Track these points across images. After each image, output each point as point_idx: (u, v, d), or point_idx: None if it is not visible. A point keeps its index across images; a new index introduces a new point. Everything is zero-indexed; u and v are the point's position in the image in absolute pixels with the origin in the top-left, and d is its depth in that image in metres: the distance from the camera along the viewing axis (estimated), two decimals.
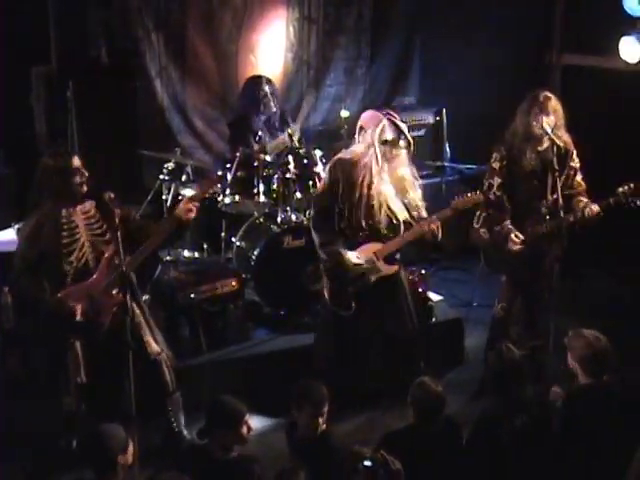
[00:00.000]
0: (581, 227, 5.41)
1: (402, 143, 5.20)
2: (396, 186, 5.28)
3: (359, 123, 5.34)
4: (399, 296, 5.48)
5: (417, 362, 5.54)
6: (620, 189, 5.35)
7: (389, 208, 5.27)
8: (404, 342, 5.49)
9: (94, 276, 4.83)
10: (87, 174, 4.81)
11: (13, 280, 4.94)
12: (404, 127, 5.25)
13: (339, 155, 5.44)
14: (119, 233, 4.57)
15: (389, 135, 5.19)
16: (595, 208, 5.36)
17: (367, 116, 5.35)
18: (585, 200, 5.47)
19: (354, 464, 3.65)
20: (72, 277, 4.82)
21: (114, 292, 4.74)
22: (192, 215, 4.91)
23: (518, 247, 5.44)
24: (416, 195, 5.35)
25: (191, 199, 4.98)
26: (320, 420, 4.39)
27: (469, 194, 5.29)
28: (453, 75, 7.79)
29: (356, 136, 5.36)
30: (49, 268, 4.81)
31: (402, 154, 5.23)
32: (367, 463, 3.61)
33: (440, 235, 5.28)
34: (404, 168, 5.29)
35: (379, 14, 7.96)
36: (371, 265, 5.30)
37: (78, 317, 4.78)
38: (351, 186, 5.25)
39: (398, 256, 5.45)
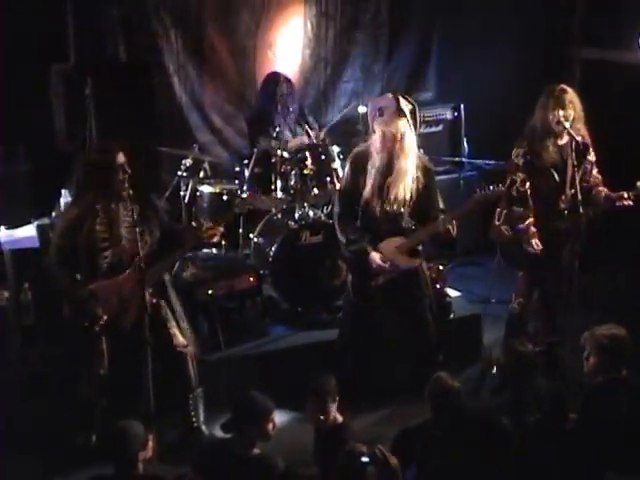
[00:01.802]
0: (603, 215, 5.38)
1: (403, 110, 5.13)
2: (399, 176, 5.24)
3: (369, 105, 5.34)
4: (420, 289, 5.47)
5: (436, 355, 5.54)
6: (638, 183, 5.33)
7: (397, 195, 5.24)
8: (423, 336, 5.48)
9: (125, 273, 4.86)
10: (130, 171, 4.85)
11: (44, 267, 4.98)
12: (404, 102, 5.16)
13: (356, 148, 5.45)
14: (137, 229, 4.63)
15: (382, 102, 5.16)
16: (623, 201, 5.34)
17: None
18: (605, 190, 5.45)
19: (352, 460, 3.66)
20: (104, 272, 4.88)
21: (147, 295, 4.78)
22: (216, 239, 5.13)
23: (535, 250, 5.40)
24: (408, 192, 5.26)
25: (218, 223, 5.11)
26: (326, 414, 4.37)
27: (491, 187, 5.25)
28: (471, 70, 7.76)
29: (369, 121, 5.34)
30: (83, 261, 4.87)
31: (402, 125, 5.14)
32: (365, 459, 3.63)
33: (455, 232, 5.26)
34: (408, 158, 5.22)
35: (396, 10, 7.93)
36: (394, 260, 5.29)
37: (104, 316, 4.83)
38: (369, 177, 5.24)
39: (421, 248, 5.45)
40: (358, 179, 5.28)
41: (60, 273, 4.89)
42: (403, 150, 5.19)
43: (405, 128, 5.16)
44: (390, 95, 5.20)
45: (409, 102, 5.21)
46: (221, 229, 5.06)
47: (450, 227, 5.22)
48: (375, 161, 5.22)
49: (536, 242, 5.41)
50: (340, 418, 4.43)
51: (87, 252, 4.85)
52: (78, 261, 4.87)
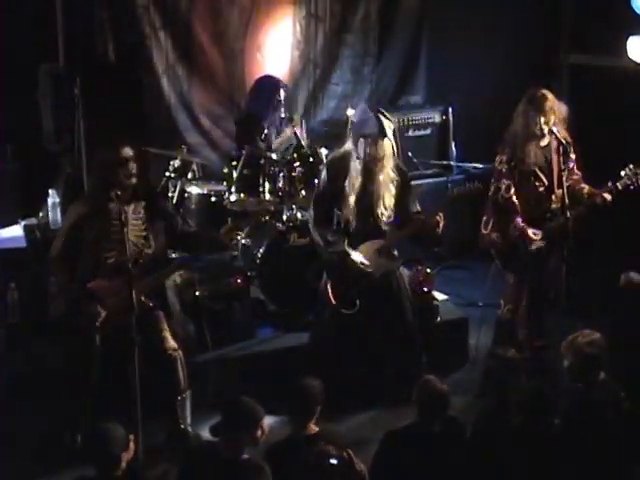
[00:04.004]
0: (592, 214, 5.43)
1: (384, 139, 5.19)
2: (384, 186, 5.30)
3: (350, 118, 5.38)
4: (400, 291, 5.49)
5: (420, 357, 5.55)
6: (622, 172, 5.40)
7: (384, 203, 5.29)
8: (407, 337, 5.49)
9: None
10: (135, 166, 4.84)
11: (46, 261, 4.95)
12: (387, 124, 5.23)
13: (333, 153, 5.50)
14: (126, 230, 4.62)
15: (367, 129, 5.20)
16: (606, 196, 5.40)
17: (357, 110, 5.38)
18: (587, 187, 5.49)
19: (321, 461, 3.67)
20: (107, 272, 4.85)
21: (142, 298, 4.76)
22: (236, 240, 5.24)
23: (538, 244, 5.42)
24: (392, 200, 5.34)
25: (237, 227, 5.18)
26: (309, 420, 4.27)
27: (468, 185, 5.32)
28: (460, 74, 7.77)
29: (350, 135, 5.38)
30: (87, 257, 4.84)
31: (384, 151, 5.22)
32: (333, 461, 3.65)
33: (440, 229, 5.27)
34: (388, 169, 5.30)
35: (386, 12, 7.95)
36: (374, 262, 5.30)
37: (101, 316, 4.80)
38: (350, 182, 5.28)
39: (396, 252, 5.46)
40: (336, 184, 5.33)
41: (60, 269, 4.87)
42: (386, 164, 5.28)
43: (388, 149, 5.25)
44: (371, 115, 5.22)
45: (389, 120, 5.25)
46: (240, 232, 5.05)
47: (438, 219, 5.23)
48: (358, 170, 5.27)
49: (533, 232, 5.42)
50: (315, 428, 4.28)
51: (92, 251, 4.83)
52: (81, 258, 4.83)
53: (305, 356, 5.62)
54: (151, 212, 4.90)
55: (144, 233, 4.86)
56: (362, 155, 5.25)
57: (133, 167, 4.84)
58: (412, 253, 5.81)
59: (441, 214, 5.25)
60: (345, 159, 5.33)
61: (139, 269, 4.81)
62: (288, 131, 6.80)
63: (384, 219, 5.33)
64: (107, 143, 5.01)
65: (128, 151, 4.86)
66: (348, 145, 5.38)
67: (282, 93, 6.83)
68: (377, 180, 5.28)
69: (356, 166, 5.28)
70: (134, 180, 4.84)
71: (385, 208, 5.31)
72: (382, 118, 5.21)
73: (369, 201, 5.30)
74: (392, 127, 5.27)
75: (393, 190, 5.33)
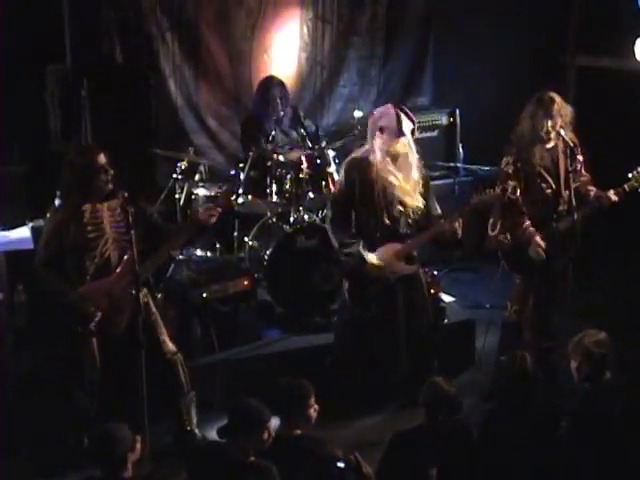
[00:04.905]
0: (598, 214, 5.43)
1: (403, 132, 5.14)
2: (410, 186, 5.27)
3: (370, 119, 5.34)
4: (418, 295, 5.47)
5: (432, 361, 5.56)
6: (630, 174, 5.38)
7: (405, 205, 5.26)
8: (421, 341, 5.49)
9: (115, 273, 4.85)
10: (112, 172, 4.84)
11: (33, 272, 4.96)
12: (405, 117, 5.17)
13: (353, 155, 5.44)
14: (133, 232, 4.62)
15: (384, 122, 5.17)
16: (612, 197, 5.40)
17: (377, 110, 5.35)
18: (595, 189, 5.50)
19: (329, 465, 3.66)
20: (93, 273, 4.85)
21: (133, 291, 4.75)
22: (213, 219, 4.97)
23: (541, 252, 5.42)
24: (422, 199, 5.31)
25: (214, 204, 5.04)
26: (299, 420, 4.26)
27: (487, 191, 5.26)
28: (467, 76, 7.78)
29: (368, 133, 5.34)
30: (71, 262, 4.84)
31: (401, 146, 5.17)
32: (340, 464, 3.63)
33: (460, 233, 5.25)
34: (414, 169, 5.27)
35: (393, 14, 7.96)
36: (392, 266, 5.29)
37: (97, 317, 4.81)
38: (368, 185, 5.23)
39: (416, 254, 5.45)
40: (354, 186, 5.27)
41: (48, 277, 4.88)
42: (405, 165, 5.23)
43: (405, 148, 5.20)
44: (392, 111, 5.18)
45: (409, 117, 5.21)
46: (219, 209, 4.99)
47: (457, 225, 5.22)
48: (378, 172, 5.21)
49: (540, 239, 5.41)
50: (298, 431, 4.23)
51: (74, 254, 4.83)
52: (65, 263, 4.85)
53: (320, 356, 5.63)
54: (127, 209, 4.88)
55: (124, 229, 4.84)
56: (380, 151, 5.18)
57: (110, 173, 4.84)
58: (431, 253, 5.79)
59: (460, 220, 5.22)
60: (366, 161, 5.26)
61: (125, 264, 4.81)
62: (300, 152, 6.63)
63: (403, 221, 5.29)
64: (83, 149, 5.00)
65: (103, 158, 4.84)
66: (368, 146, 5.32)
67: (277, 90, 6.81)
68: (394, 179, 5.22)
69: (378, 171, 5.22)
70: (111, 186, 4.85)
71: (405, 209, 5.27)
72: (402, 115, 5.18)
73: (386, 202, 5.25)
74: (411, 127, 5.22)
75: (418, 192, 5.28)
